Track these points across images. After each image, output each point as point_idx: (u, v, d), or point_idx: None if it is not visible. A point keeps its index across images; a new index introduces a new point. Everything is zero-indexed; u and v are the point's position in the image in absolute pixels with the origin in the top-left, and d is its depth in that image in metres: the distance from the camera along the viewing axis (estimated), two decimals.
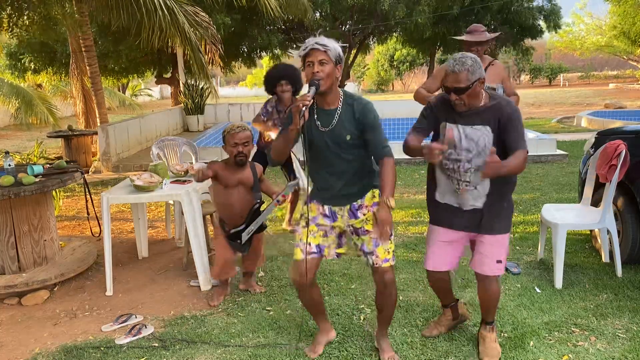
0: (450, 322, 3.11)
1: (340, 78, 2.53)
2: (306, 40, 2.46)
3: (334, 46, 2.45)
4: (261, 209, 3.58)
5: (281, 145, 2.59)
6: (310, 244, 2.71)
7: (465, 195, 2.66)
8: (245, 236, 3.54)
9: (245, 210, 3.55)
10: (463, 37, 3.93)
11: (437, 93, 3.67)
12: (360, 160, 2.62)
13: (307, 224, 2.72)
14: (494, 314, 2.89)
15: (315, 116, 2.56)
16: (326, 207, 2.72)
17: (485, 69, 3.93)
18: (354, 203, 2.67)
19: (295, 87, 4.69)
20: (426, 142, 2.61)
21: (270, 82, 4.68)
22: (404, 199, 6.19)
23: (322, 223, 2.73)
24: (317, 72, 2.40)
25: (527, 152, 2.54)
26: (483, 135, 2.55)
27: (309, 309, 2.95)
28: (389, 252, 2.68)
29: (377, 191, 2.70)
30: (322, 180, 2.68)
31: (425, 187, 3.00)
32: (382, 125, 2.56)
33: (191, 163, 4.90)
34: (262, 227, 3.61)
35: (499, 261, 2.73)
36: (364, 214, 2.66)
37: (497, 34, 4.23)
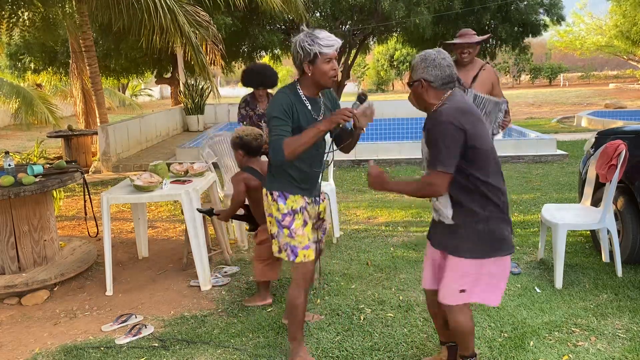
0: None
1: None
2: (325, 35, 2.48)
3: None
4: None
5: (308, 144, 2.51)
6: (310, 239, 2.76)
7: (434, 205, 2.44)
8: None
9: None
10: (454, 41, 3.93)
11: None
12: (324, 147, 2.77)
13: (306, 223, 2.76)
14: (470, 348, 2.49)
15: (309, 106, 2.63)
16: (308, 198, 2.78)
17: (477, 74, 3.96)
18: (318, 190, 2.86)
19: (271, 87, 4.72)
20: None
21: (249, 84, 4.71)
22: (405, 199, 6.19)
23: (311, 211, 2.78)
24: (336, 69, 2.54)
25: (444, 173, 2.20)
26: (425, 143, 2.35)
27: (299, 317, 2.79)
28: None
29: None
30: (308, 170, 2.70)
31: None
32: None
33: (192, 163, 4.89)
34: None
35: (462, 290, 2.34)
36: (322, 200, 2.89)
37: (486, 36, 4.29)
